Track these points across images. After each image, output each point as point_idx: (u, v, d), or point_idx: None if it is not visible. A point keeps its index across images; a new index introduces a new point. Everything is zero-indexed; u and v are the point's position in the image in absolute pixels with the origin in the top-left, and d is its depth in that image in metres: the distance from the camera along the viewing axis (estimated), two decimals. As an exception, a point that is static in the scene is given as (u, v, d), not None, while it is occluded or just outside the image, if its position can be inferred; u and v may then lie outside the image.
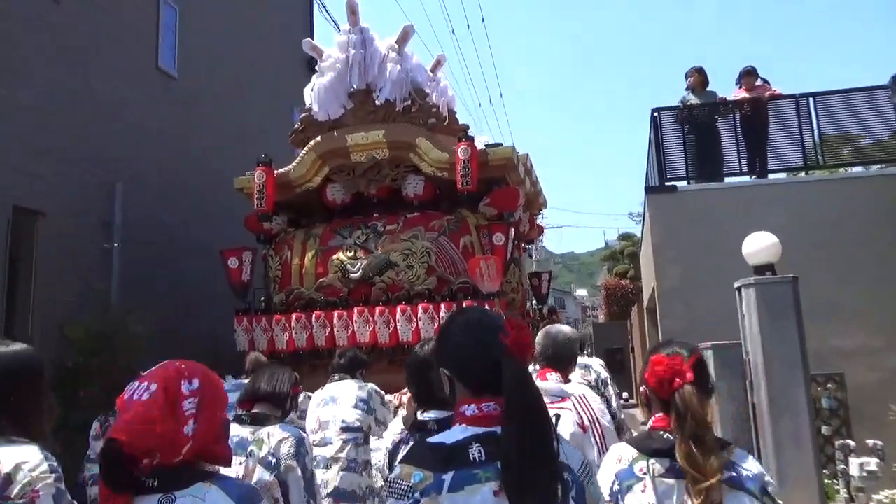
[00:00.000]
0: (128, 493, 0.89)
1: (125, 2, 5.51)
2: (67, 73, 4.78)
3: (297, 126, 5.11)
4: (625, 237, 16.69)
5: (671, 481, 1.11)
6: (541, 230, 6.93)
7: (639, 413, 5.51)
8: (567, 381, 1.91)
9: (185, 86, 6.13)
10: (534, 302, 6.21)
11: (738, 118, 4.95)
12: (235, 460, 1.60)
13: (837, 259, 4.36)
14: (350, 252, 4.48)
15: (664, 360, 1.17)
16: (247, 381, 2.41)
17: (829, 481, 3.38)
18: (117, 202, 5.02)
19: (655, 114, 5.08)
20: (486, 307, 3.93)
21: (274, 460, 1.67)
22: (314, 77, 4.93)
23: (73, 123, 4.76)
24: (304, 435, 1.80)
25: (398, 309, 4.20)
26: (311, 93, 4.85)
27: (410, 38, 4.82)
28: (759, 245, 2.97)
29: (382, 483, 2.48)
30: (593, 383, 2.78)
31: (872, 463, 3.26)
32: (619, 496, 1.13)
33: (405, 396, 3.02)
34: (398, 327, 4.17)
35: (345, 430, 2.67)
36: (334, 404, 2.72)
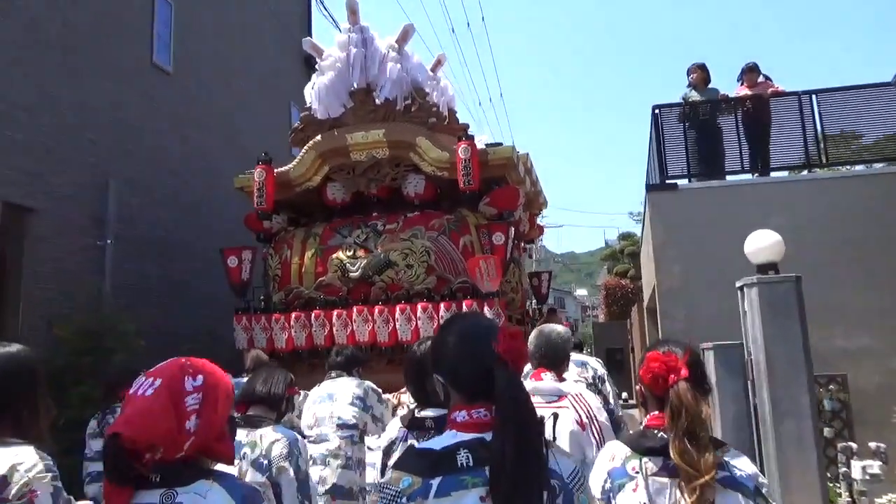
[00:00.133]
0: (130, 487, 0.89)
1: (119, -4, 5.44)
2: (59, 67, 4.70)
3: (297, 125, 5.09)
4: (625, 237, 16.66)
5: (664, 480, 1.10)
6: (541, 230, 6.91)
7: (638, 413, 5.49)
8: (561, 379, 1.91)
9: (180, 82, 6.05)
10: (534, 301, 6.19)
11: (740, 115, 4.91)
12: None
13: (841, 258, 4.33)
14: (350, 251, 4.45)
15: (659, 357, 1.17)
16: (246, 379, 2.39)
17: (831, 484, 3.35)
18: (110, 199, 4.94)
19: (656, 111, 5.04)
20: (486, 307, 3.97)
21: (265, 462, 1.67)
22: (314, 76, 4.90)
23: (64, 119, 4.69)
24: (298, 436, 1.79)
25: (397, 308, 4.18)
26: (312, 92, 4.83)
27: (411, 38, 4.79)
28: (762, 243, 2.93)
29: (371, 482, 2.47)
30: (590, 380, 2.77)
31: (875, 466, 3.23)
32: (611, 494, 1.13)
33: (404, 396, 3.00)
34: (397, 326, 4.16)
35: (341, 426, 2.65)
36: (331, 401, 2.71)
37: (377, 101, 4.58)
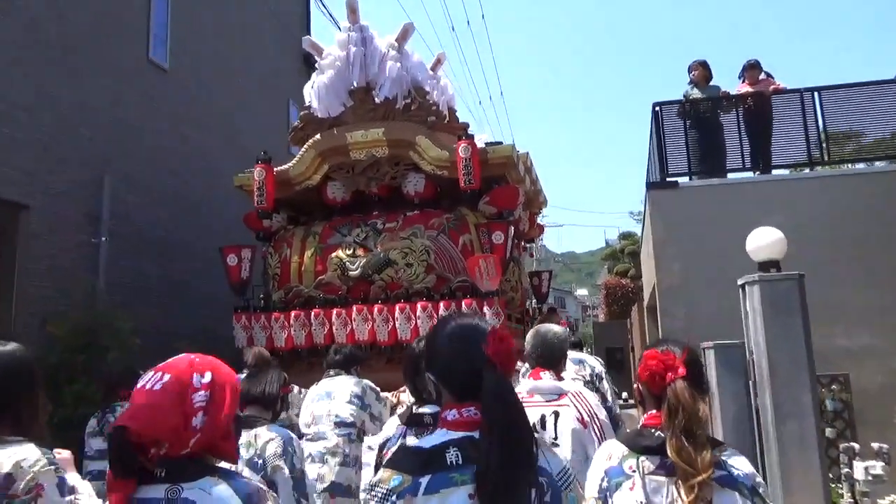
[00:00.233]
0: (133, 480, 0.89)
1: (115, -10, 5.38)
2: (53, 63, 4.66)
3: (296, 124, 5.08)
4: (625, 236, 16.63)
5: (661, 478, 1.10)
6: (541, 229, 6.91)
7: (637, 413, 5.46)
8: (560, 378, 1.91)
9: (176, 79, 5.99)
10: (534, 301, 6.18)
11: (742, 113, 4.88)
12: None
13: (843, 257, 4.30)
14: (349, 250, 4.45)
15: (657, 355, 1.17)
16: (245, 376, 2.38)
17: (833, 485, 3.32)
18: (105, 196, 4.90)
19: (657, 108, 5.01)
20: (486, 306, 3.96)
21: (260, 461, 1.67)
22: (314, 75, 4.90)
23: (58, 115, 4.65)
24: (293, 435, 1.80)
25: (397, 307, 4.17)
26: (311, 90, 4.83)
27: (410, 36, 4.79)
28: (764, 241, 2.90)
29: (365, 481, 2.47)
30: (588, 378, 2.76)
31: (878, 466, 3.20)
32: (608, 493, 1.13)
33: (403, 395, 2.99)
34: (397, 325, 4.15)
35: (339, 424, 2.65)
36: (329, 399, 2.71)
37: (377, 100, 4.58)
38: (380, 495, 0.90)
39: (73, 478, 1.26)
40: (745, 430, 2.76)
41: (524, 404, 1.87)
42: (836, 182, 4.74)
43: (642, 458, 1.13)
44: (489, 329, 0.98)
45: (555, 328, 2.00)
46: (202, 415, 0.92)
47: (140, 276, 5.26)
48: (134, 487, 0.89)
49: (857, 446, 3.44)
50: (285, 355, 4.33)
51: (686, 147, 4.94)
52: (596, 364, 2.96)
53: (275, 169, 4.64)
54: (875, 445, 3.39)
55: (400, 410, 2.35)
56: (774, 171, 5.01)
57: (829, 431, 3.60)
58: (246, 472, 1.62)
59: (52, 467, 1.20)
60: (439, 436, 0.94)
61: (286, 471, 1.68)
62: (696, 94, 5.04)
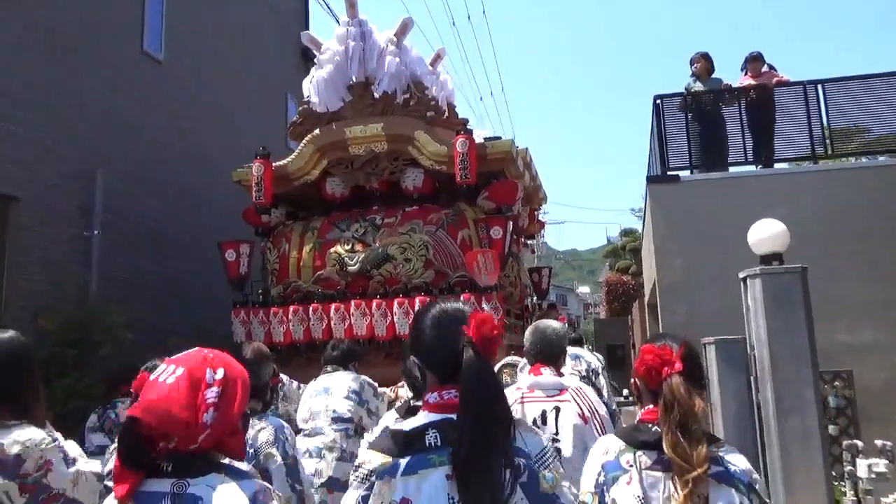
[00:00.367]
0: (141, 473, 0.89)
1: (108, -20, 5.30)
2: (45, 54, 4.60)
3: (295, 119, 5.07)
4: (626, 233, 16.55)
5: (658, 474, 1.10)
6: (541, 225, 6.88)
7: (636, 409, 5.42)
8: (560, 374, 1.91)
9: (171, 71, 5.92)
10: (534, 297, 6.15)
11: (744, 105, 4.83)
12: None
13: (845, 251, 4.26)
14: (348, 245, 4.44)
15: (654, 350, 1.17)
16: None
17: (836, 483, 3.29)
18: (98, 189, 4.85)
19: (658, 101, 4.95)
20: (484, 301, 3.94)
21: (251, 451, 1.67)
22: (313, 69, 4.88)
23: (50, 106, 4.60)
24: (284, 423, 1.82)
25: (395, 302, 4.15)
26: (310, 85, 4.81)
27: (409, 31, 4.76)
28: (766, 233, 2.83)
29: None
30: (583, 373, 2.74)
31: (881, 464, 3.16)
32: (605, 487, 1.13)
33: (401, 390, 2.98)
34: (395, 320, 4.13)
35: (336, 420, 2.64)
36: (326, 395, 2.70)
37: (376, 95, 4.58)
38: (361, 476, 0.93)
39: (70, 448, 1.35)
40: (746, 427, 2.72)
41: (525, 400, 1.87)
42: (838, 176, 4.68)
43: (639, 452, 1.13)
44: (470, 312, 0.99)
45: (554, 324, 1.99)
46: (213, 411, 0.91)
47: (134, 271, 5.21)
48: (141, 479, 0.89)
49: (860, 444, 3.40)
50: (283, 350, 4.34)
51: (687, 140, 4.89)
52: (593, 360, 2.94)
53: (273, 164, 4.62)
54: (879, 443, 3.36)
55: (398, 405, 2.33)
56: (777, 165, 4.95)
57: (831, 428, 3.57)
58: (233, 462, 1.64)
59: (56, 444, 1.28)
60: (421, 418, 0.96)
61: (278, 458, 1.70)
62: (698, 86, 4.98)
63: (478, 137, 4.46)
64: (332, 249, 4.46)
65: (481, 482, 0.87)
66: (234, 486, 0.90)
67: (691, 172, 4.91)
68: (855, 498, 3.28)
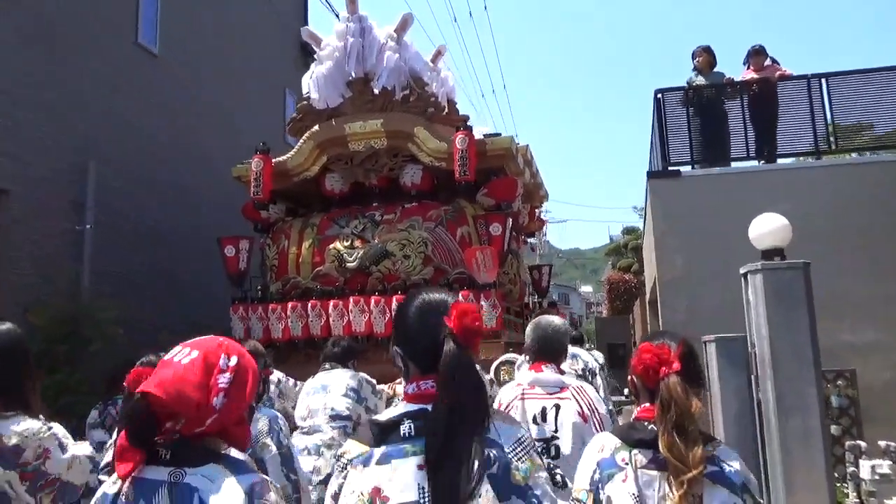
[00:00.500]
0: (143, 452, 0.89)
1: (101, -29, 5.22)
2: (36, 45, 4.54)
3: (294, 115, 5.06)
4: (628, 231, 16.46)
5: (653, 472, 1.10)
6: (542, 223, 6.84)
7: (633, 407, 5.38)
8: (560, 371, 1.90)
9: (166, 64, 5.86)
10: (534, 295, 6.12)
11: (746, 100, 4.77)
12: None
13: (850, 249, 4.20)
14: (347, 241, 4.44)
15: (651, 349, 1.16)
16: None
17: (839, 484, 3.25)
18: (90, 182, 4.79)
19: (659, 95, 4.89)
20: (483, 298, 3.91)
21: None
22: (312, 65, 4.87)
23: (42, 98, 4.55)
24: (278, 413, 1.86)
25: (394, 299, 4.14)
26: (310, 81, 4.80)
27: (409, 27, 4.74)
28: (768, 227, 2.77)
29: None
30: (580, 373, 2.71)
31: (885, 465, 3.12)
32: (600, 485, 1.13)
33: (399, 387, 2.96)
34: (394, 317, 4.10)
35: (334, 418, 2.63)
36: (324, 392, 2.70)
37: (375, 91, 4.55)
38: (341, 465, 0.95)
39: (60, 432, 1.40)
40: (747, 427, 2.67)
41: (526, 396, 1.84)
42: (842, 171, 4.62)
43: (635, 451, 1.13)
44: (452, 302, 0.98)
45: (555, 321, 1.98)
46: (223, 396, 0.91)
47: (127, 266, 5.16)
48: (143, 458, 0.89)
49: (863, 444, 3.37)
50: (282, 347, 4.33)
51: (689, 135, 4.84)
52: (590, 360, 2.90)
53: (273, 160, 4.61)
54: (882, 443, 3.32)
55: (396, 401, 2.31)
56: (780, 160, 4.90)
57: (834, 428, 3.53)
58: (232, 452, 1.65)
59: (51, 432, 1.34)
60: (399, 408, 0.96)
61: (273, 448, 1.73)
62: (699, 80, 4.92)
63: (478, 134, 4.44)
64: (331, 246, 4.46)
65: (448, 473, 0.86)
66: (232, 478, 0.89)
67: (692, 168, 4.87)
68: (857, 500, 3.24)
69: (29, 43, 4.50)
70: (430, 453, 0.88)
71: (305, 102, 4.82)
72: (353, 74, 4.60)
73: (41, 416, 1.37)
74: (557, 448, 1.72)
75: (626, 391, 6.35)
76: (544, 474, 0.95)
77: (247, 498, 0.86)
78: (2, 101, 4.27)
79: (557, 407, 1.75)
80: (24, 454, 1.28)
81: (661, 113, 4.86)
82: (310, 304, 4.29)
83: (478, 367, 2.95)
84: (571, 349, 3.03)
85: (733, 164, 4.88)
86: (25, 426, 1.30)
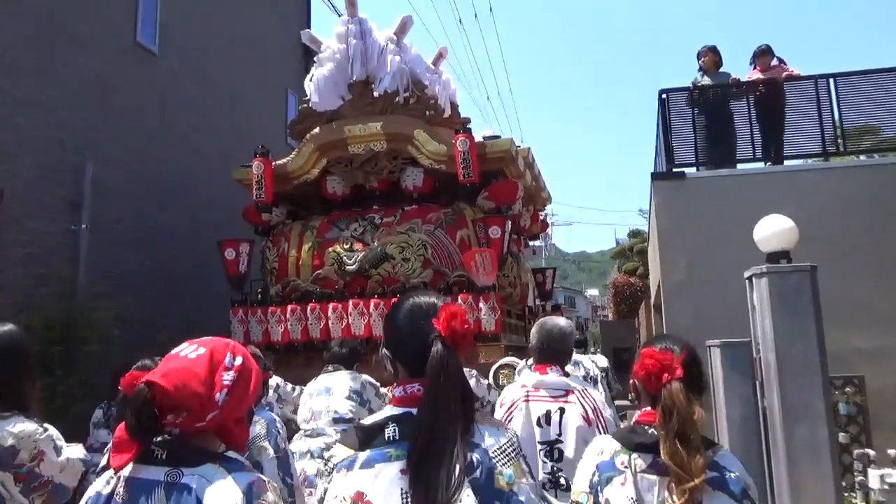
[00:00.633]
0: (140, 445, 0.89)
1: (99, -32, 5.17)
2: (34, 43, 4.50)
3: (295, 118, 5.07)
4: (635, 234, 16.33)
5: (653, 477, 1.10)
6: (545, 226, 6.79)
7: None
8: (565, 374, 1.88)
9: (166, 63, 5.80)
10: (537, 298, 6.07)
11: (753, 100, 4.70)
12: None
13: (858, 252, 4.12)
14: (347, 244, 4.43)
15: (654, 354, 1.15)
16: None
17: (847, 494, 3.18)
18: (86, 182, 4.74)
19: (664, 95, 4.84)
20: (482, 301, 3.87)
21: None
22: (313, 68, 4.88)
23: (38, 97, 4.50)
24: (276, 417, 1.88)
25: (393, 302, 4.09)
26: (310, 84, 4.80)
27: (409, 30, 4.74)
28: (773, 229, 2.71)
29: None
30: (579, 379, 2.66)
31: (894, 474, 3.03)
32: (599, 488, 1.13)
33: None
34: (384, 320, 4.06)
35: (337, 420, 2.61)
36: (327, 395, 2.69)
37: (375, 94, 4.55)
38: (328, 469, 0.94)
39: (55, 434, 1.42)
40: (752, 434, 2.61)
41: (531, 399, 1.83)
42: (850, 174, 4.55)
43: (634, 455, 1.12)
44: (441, 305, 0.97)
45: (560, 322, 1.96)
46: (226, 392, 0.92)
47: (123, 266, 5.11)
48: (139, 452, 0.88)
49: (872, 453, 3.29)
50: (282, 350, 4.32)
51: (694, 136, 4.78)
52: (591, 367, 2.85)
53: (273, 163, 4.61)
54: (892, 452, 3.25)
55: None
56: (787, 162, 4.84)
57: (842, 437, 3.46)
58: (229, 453, 1.66)
59: (46, 434, 1.36)
60: (385, 412, 0.96)
61: (271, 451, 1.75)
62: (705, 80, 4.86)
63: (478, 137, 4.41)
64: (331, 248, 4.46)
65: (428, 478, 0.85)
66: (229, 478, 0.88)
67: (697, 169, 4.82)
68: (866, 510, 3.15)
69: (27, 41, 4.46)
70: (412, 457, 0.87)
71: (306, 105, 4.83)
72: (353, 77, 4.60)
73: (36, 418, 1.39)
74: (561, 451, 1.72)
75: (630, 395, 6.24)
76: (531, 481, 0.93)
77: (244, 497, 0.86)
78: (-1, 99, 4.24)
79: (562, 410, 1.75)
80: (20, 455, 1.29)
81: (666, 113, 4.82)
82: (309, 307, 4.28)
83: (474, 371, 2.91)
84: (574, 356, 2.98)
85: (739, 166, 4.83)
86: (21, 427, 1.31)
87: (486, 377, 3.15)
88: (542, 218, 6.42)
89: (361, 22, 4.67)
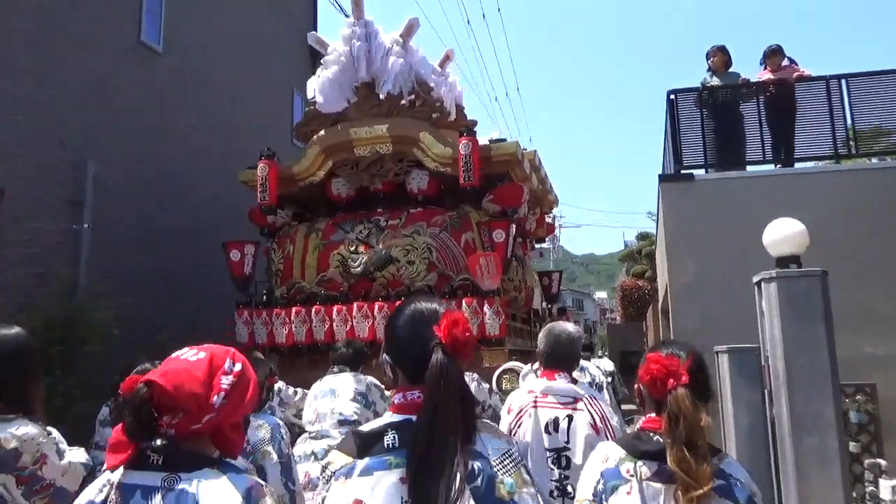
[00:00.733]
0: (136, 445, 0.89)
1: (103, -33, 5.13)
2: (34, 42, 4.47)
3: (301, 120, 5.09)
4: (643, 236, 16.20)
5: (658, 485, 1.09)
6: (551, 229, 6.75)
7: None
8: (573, 380, 1.88)
9: (170, 63, 5.77)
10: (543, 302, 6.03)
11: (763, 101, 4.65)
12: None
13: (869, 256, 4.05)
14: (352, 247, 4.44)
15: (660, 360, 1.14)
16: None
17: None
18: (88, 181, 4.71)
19: (672, 96, 4.79)
20: (486, 304, 3.85)
21: (248, 447, 1.70)
22: (319, 70, 4.90)
23: (38, 97, 4.48)
24: (280, 422, 1.87)
25: (397, 305, 4.09)
26: (316, 86, 4.82)
27: (415, 32, 4.74)
28: (783, 233, 2.63)
29: None
30: (586, 386, 2.63)
31: (907, 484, 2.96)
32: (604, 496, 1.11)
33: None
34: (385, 326, 4.06)
35: (342, 423, 2.60)
36: (332, 397, 2.68)
37: (381, 96, 4.55)
38: (326, 477, 0.93)
39: (58, 437, 1.42)
40: (760, 444, 2.56)
41: (539, 405, 1.82)
42: (863, 176, 4.47)
43: (640, 462, 1.11)
44: (443, 312, 0.97)
45: (569, 327, 1.96)
46: (224, 396, 0.93)
47: (124, 266, 5.08)
48: (134, 452, 0.88)
49: (883, 462, 3.22)
50: (286, 352, 4.33)
51: (703, 138, 4.72)
52: (597, 374, 2.81)
53: (279, 165, 4.64)
54: (905, 462, 3.14)
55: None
56: (798, 164, 4.78)
57: (853, 446, 3.40)
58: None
59: (49, 437, 1.36)
60: (384, 419, 0.95)
61: (274, 456, 1.74)
62: (714, 81, 4.80)
63: (484, 140, 4.40)
64: (336, 251, 4.47)
65: (428, 487, 0.83)
66: (227, 482, 0.88)
67: (706, 171, 4.76)
68: (878, 520, 3.08)
69: (29, 40, 4.44)
70: (411, 465, 0.86)
71: (312, 107, 4.85)
72: (360, 79, 4.61)
73: (41, 421, 1.39)
74: (569, 459, 1.71)
75: (637, 400, 6.17)
76: (532, 490, 0.92)
77: (244, 502, 0.86)
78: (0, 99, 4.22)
79: (570, 418, 1.74)
80: (22, 458, 1.29)
81: (675, 114, 4.76)
82: (314, 310, 4.29)
83: (475, 374, 2.88)
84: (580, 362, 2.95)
85: (748, 168, 4.77)
86: (24, 430, 1.32)
87: (489, 381, 3.13)
88: (548, 221, 6.39)
89: (367, 24, 4.69)
